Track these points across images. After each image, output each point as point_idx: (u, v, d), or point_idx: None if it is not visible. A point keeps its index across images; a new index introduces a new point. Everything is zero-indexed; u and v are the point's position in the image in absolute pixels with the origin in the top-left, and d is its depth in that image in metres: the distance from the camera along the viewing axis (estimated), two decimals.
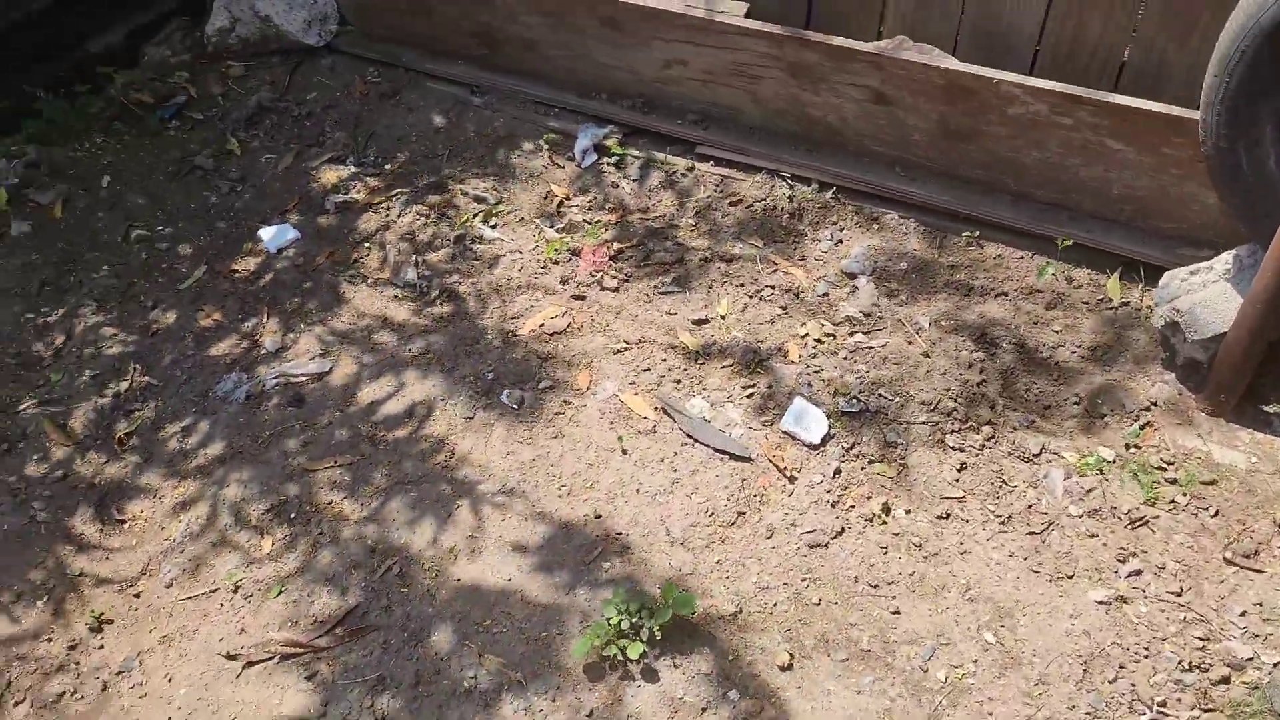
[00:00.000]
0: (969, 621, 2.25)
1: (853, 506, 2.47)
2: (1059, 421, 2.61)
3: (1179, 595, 2.27)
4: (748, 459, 2.56)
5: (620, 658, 2.15)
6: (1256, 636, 2.19)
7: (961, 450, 2.57)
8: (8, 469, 2.60)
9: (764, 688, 2.15)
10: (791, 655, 2.20)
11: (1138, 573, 2.32)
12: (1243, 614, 2.23)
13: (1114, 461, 2.53)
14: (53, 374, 2.83)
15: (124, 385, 2.79)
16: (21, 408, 2.74)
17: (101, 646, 2.25)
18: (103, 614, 2.30)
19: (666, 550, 2.37)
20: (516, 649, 2.20)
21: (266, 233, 3.21)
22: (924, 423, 2.63)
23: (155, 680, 2.18)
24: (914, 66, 2.91)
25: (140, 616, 2.30)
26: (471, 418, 2.67)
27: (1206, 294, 2.56)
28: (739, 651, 2.20)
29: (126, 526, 2.48)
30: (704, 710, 2.11)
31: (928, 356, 2.78)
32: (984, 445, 2.58)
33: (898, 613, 2.28)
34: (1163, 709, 2.09)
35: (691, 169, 3.34)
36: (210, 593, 2.33)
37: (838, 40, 2.98)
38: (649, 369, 2.77)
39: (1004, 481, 2.51)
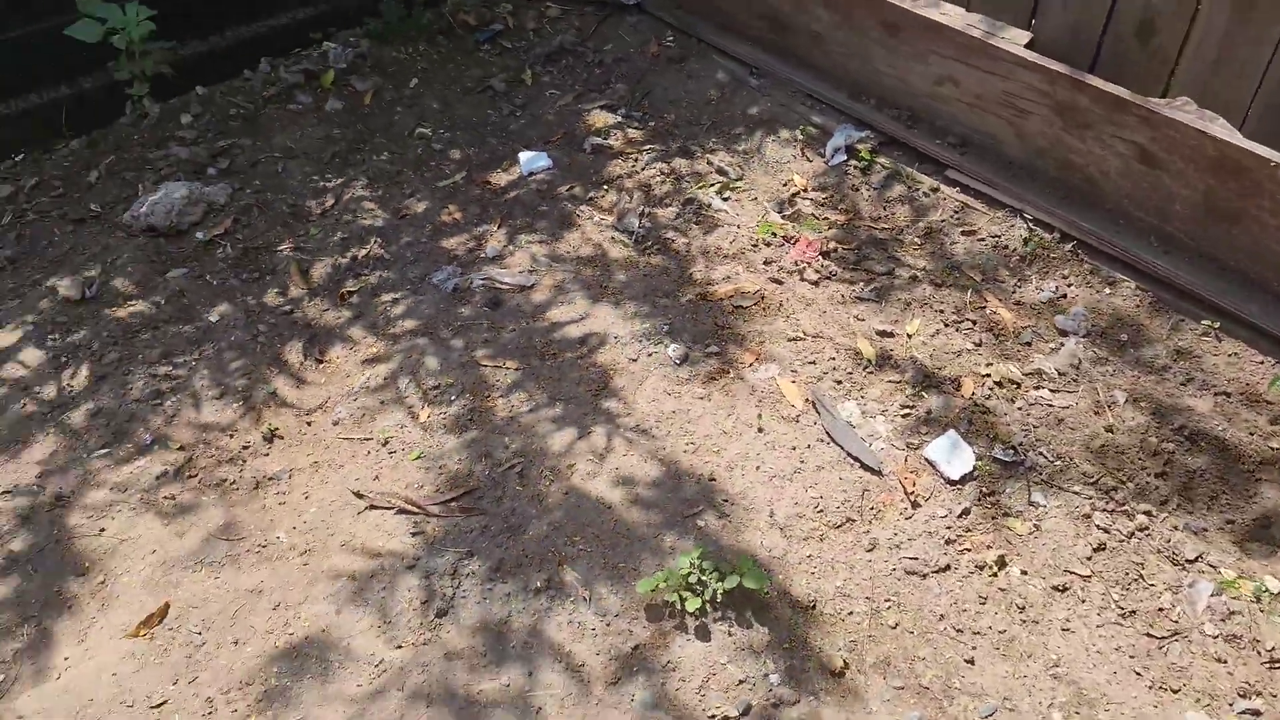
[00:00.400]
0: (1043, 696, 2.13)
1: (967, 550, 2.39)
2: (1232, 537, 2.38)
3: None
4: (877, 472, 2.53)
5: (679, 607, 2.22)
6: None
7: (1107, 531, 2.41)
8: (253, 292, 3.03)
9: (807, 683, 2.14)
10: (846, 664, 2.17)
11: (1256, 713, 2.09)
12: None
13: (1278, 595, 2.28)
14: (313, 228, 3.25)
15: (362, 252, 3.16)
16: (280, 248, 3.18)
17: (267, 454, 2.59)
18: (277, 429, 2.65)
19: (763, 530, 2.41)
20: (593, 569, 2.32)
21: (525, 156, 3.50)
22: (1077, 493, 2.48)
23: (295, 495, 2.50)
24: (1187, 130, 2.72)
25: (304, 441, 2.63)
26: (635, 360, 2.81)
27: None
28: (796, 643, 2.20)
29: (322, 366, 2.83)
30: (740, 682, 2.14)
31: (1110, 431, 2.61)
32: (1134, 534, 2.40)
33: (971, 663, 2.19)
34: None
35: (936, 190, 3.28)
36: (364, 440, 2.62)
37: (1111, 88, 2.83)
38: (815, 363, 2.79)
39: (1141, 576, 2.33)
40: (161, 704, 2.09)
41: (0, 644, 2.19)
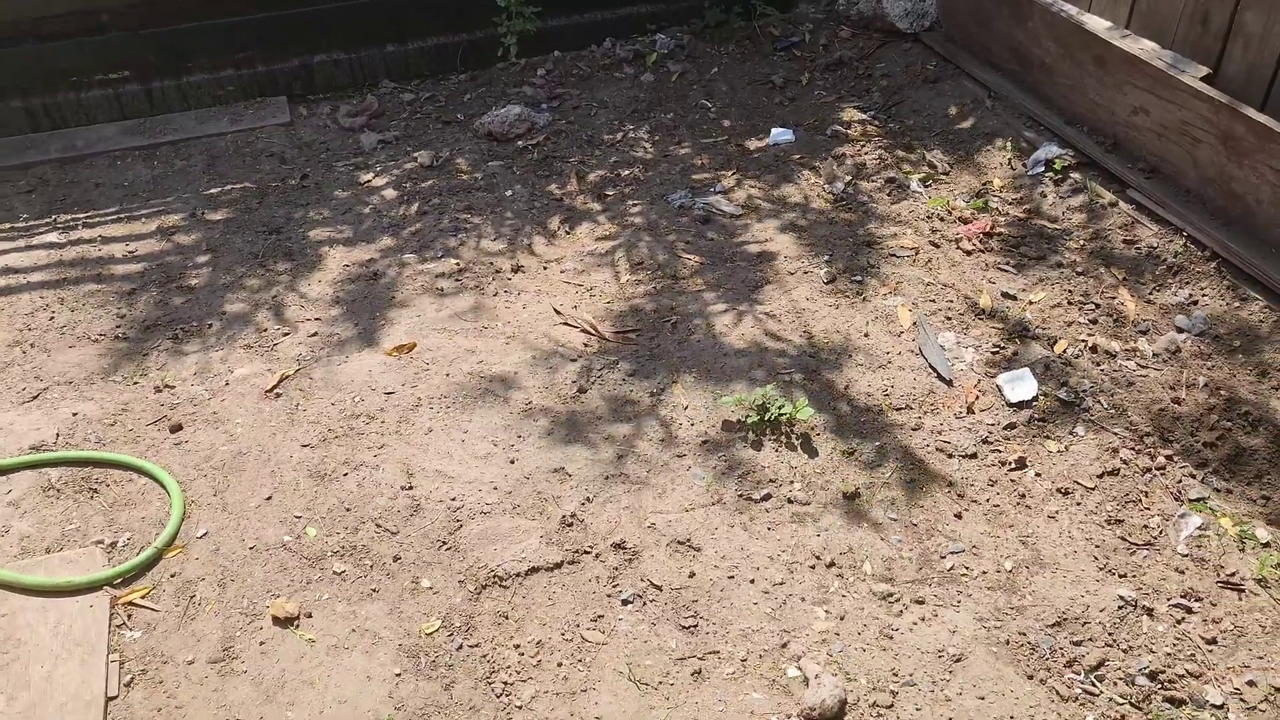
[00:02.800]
0: (1005, 551, 2.60)
1: (997, 450, 2.88)
2: (1254, 503, 2.68)
3: (1210, 644, 2.36)
4: (948, 382, 3.07)
5: (746, 422, 2.92)
6: (1246, 705, 2.23)
7: (1126, 465, 2.80)
8: (540, 183, 4.10)
9: (821, 497, 2.76)
10: (858, 492, 2.77)
11: (1188, 609, 2.44)
12: (1250, 684, 2.27)
13: (1266, 545, 2.57)
14: (598, 152, 4.28)
15: (626, 172, 4.13)
16: (570, 159, 4.23)
17: (510, 279, 3.61)
18: (522, 266, 3.66)
19: (834, 395, 3.04)
20: (698, 388, 3.08)
21: (775, 131, 4.33)
22: (1115, 434, 2.88)
23: (517, 305, 3.48)
24: None
25: (538, 277, 3.61)
26: (793, 274, 3.53)
27: None
28: (826, 470, 2.83)
29: (568, 235, 3.82)
30: (772, 480, 2.80)
31: (1176, 404, 2.96)
32: (1149, 469, 2.77)
33: (959, 517, 2.70)
34: (1098, 681, 2.29)
35: (1114, 204, 3.70)
36: (577, 284, 3.56)
37: (1261, 117, 3.17)
38: (934, 301, 3.36)
39: (1140, 500, 2.71)
40: (390, 393, 3.12)
41: (312, 344, 3.34)
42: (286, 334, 3.39)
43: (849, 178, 4.01)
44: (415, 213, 3.96)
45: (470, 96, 4.72)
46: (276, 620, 2.48)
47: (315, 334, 3.38)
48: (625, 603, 2.52)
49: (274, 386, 3.16)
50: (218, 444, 2.97)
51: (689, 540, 2.65)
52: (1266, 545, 2.57)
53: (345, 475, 2.85)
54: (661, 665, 2.38)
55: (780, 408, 2.90)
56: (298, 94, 4.72)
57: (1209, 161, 3.44)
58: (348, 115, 4.56)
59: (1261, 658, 2.32)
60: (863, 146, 4.21)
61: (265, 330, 3.41)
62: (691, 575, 2.57)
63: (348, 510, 2.75)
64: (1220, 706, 2.23)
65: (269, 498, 2.80)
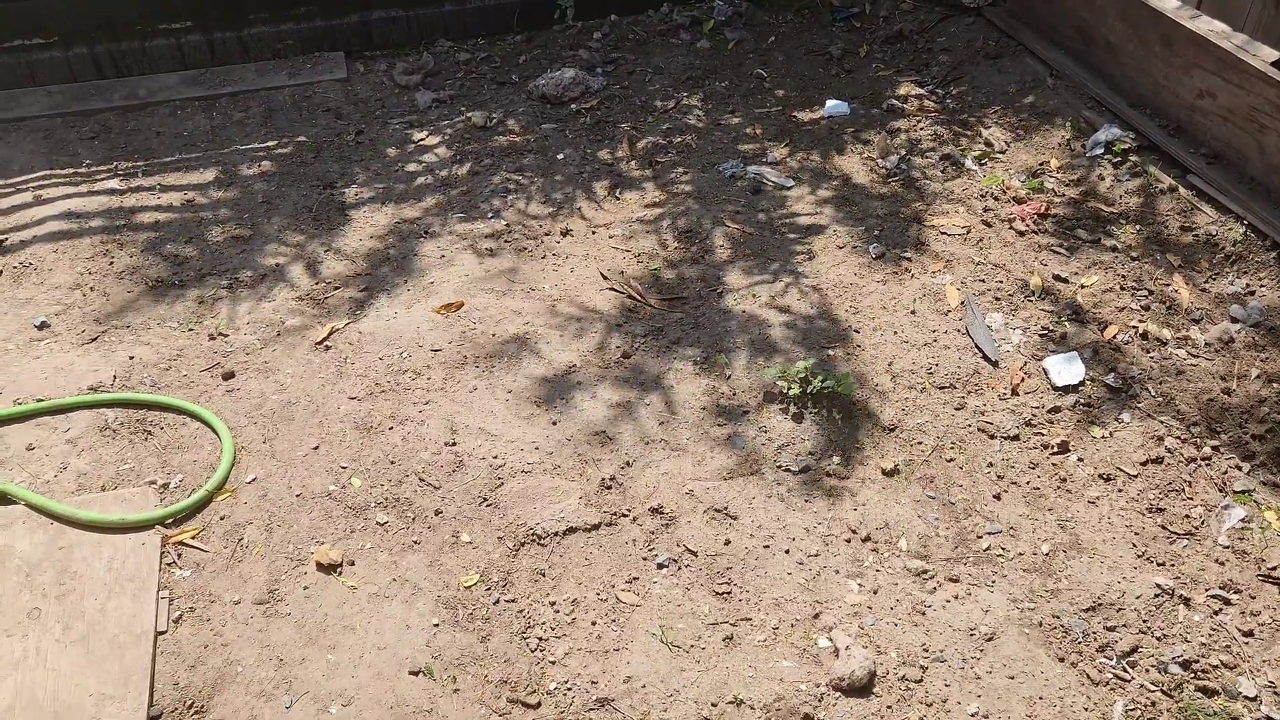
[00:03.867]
0: (1043, 534, 2.60)
1: (1040, 433, 2.86)
2: None
3: (1247, 636, 2.35)
4: (994, 363, 3.05)
5: (787, 393, 2.93)
6: None
7: (1170, 454, 2.77)
8: (592, 147, 4.10)
9: (859, 470, 2.77)
10: (897, 469, 2.77)
11: (1226, 601, 2.42)
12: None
13: None
14: (651, 118, 4.28)
15: (678, 139, 4.13)
16: (623, 124, 4.23)
17: (558, 242, 3.63)
18: (570, 230, 3.67)
19: (879, 371, 3.04)
20: (739, 359, 3.09)
21: (830, 103, 4.29)
22: (1162, 423, 2.85)
23: (564, 269, 3.50)
24: None
25: (585, 241, 3.63)
26: (841, 247, 3.51)
27: None
28: (867, 444, 2.83)
29: (617, 201, 3.83)
30: (810, 453, 2.81)
31: (1227, 395, 2.93)
32: (1194, 459, 2.75)
33: (998, 498, 2.70)
34: (1129, 667, 2.29)
35: (1173, 190, 3.63)
36: (625, 250, 3.57)
37: None
38: (983, 280, 3.33)
39: (1183, 490, 2.68)
40: (437, 350, 3.16)
41: (362, 297, 3.39)
42: (337, 288, 3.44)
43: (903, 153, 3.97)
44: (466, 173, 3.99)
45: (525, 58, 4.73)
46: (320, 566, 2.54)
47: (365, 288, 3.43)
48: (661, 566, 2.55)
49: (324, 339, 3.21)
50: (268, 393, 3.03)
51: (726, 508, 2.68)
52: None
53: (391, 429, 2.90)
54: (694, 629, 2.41)
55: (823, 381, 2.91)
56: (355, 50, 4.75)
57: (1276, 149, 3.36)
58: (404, 73, 4.59)
59: None
60: (918, 122, 4.16)
61: (316, 282, 3.47)
62: (727, 543, 2.60)
63: (392, 463, 2.80)
64: (1253, 699, 2.22)
65: (316, 447, 2.86)
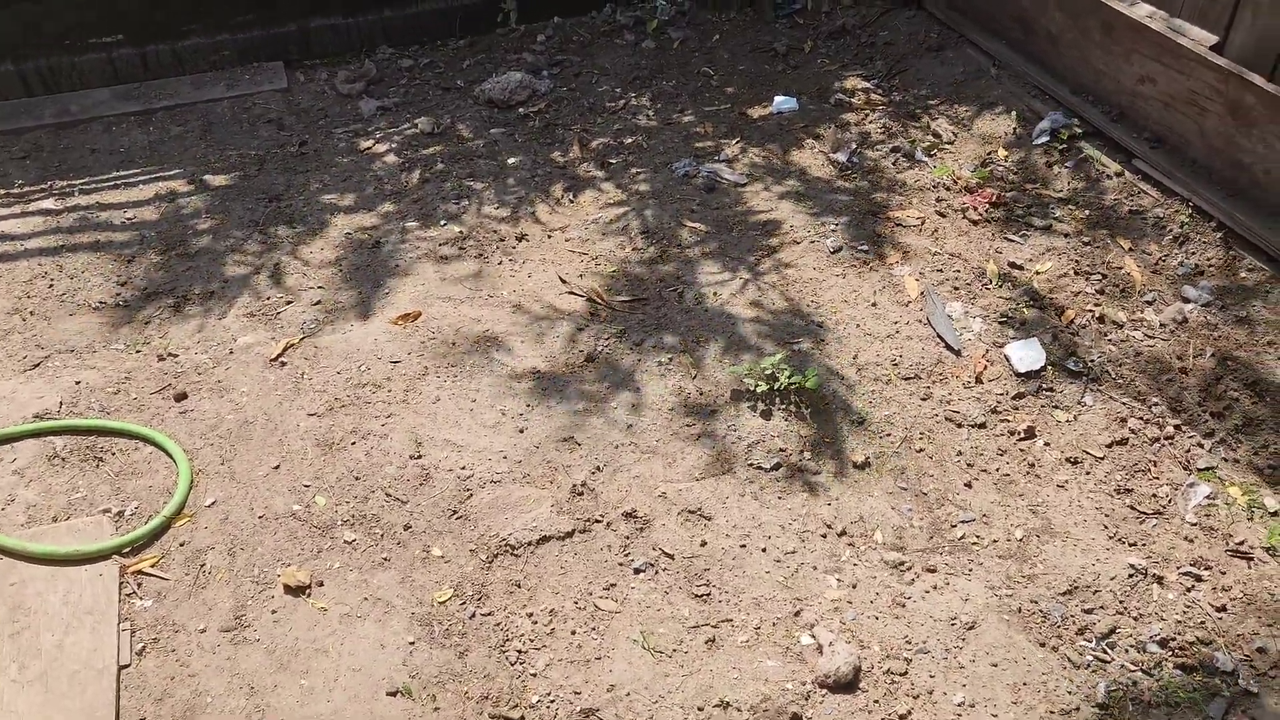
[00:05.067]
0: (1015, 520, 2.61)
1: (1006, 419, 2.88)
2: (1260, 471, 2.68)
3: (1220, 611, 2.38)
4: (956, 352, 3.07)
5: (755, 390, 2.92)
6: (1256, 671, 2.25)
7: (1134, 435, 2.80)
8: (543, 151, 4.06)
9: (830, 464, 2.76)
10: (868, 461, 2.77)
11: (1198, 577, 2.45)
12: (1260, 650, 2.29)
13: (1276, 514, 2.59)
14: (600, 119, 4.24)
15: (629, 139, 4.10)
16: (573, 126, 4.19)
17: (515, 247, 3.58)
18: (526, 235, 3.63)
19: (845, 364, 3.04)
20: (705, 356, 3.07)
21: (778, 99, 4.29)
22: (1123, 404, 2.88)
23: (522, 274, 3.45)
24: None
25: (542, 246, 3.58)
26: (799, 243, 3.51)
27: None
28: (836, 438, 2.83)
29: (573, 204, 3.79)
30: (781, 449, 2.80)
31: (1185, 374, 2.97)
32: (1158, 439, 2.78)
33: (969, 486, 2.71)
34: (1108, 649, 2.31)
35: (1119, 174, 3.69)
36: (583, 253, 3.53)
37: (1271, 87, 3.16)
38: (942, 270, 3.35)
39: (1149, 470, 2.72)
40: (396, 361, 3.10)
41: (316, 311, 3.31)
42: (289, 302, 3.36)
43: (854, 146, 3.99)
44: (417, 180, 3.92)
45: (470, 63, 4.67)
46: (288, 589, 2.47)
47: (318, 302, 3.35)
48: (638, 571, 2.52)
49: (279, 355, 3.13)
50: (223, 413, 2.94)
51: (700, 509, 2.65)
52: (1275, 514, 2.58)
53: (353, 444, 2.83)
54: (675, 633, 2.38)
55: (789, 376, 2.90)
56: (295, 59, 4.65)
57: (1216, 131, 3.43)
58: (346, 81, 4.50)
59: (1271, 625, 2.34)
60: (867, 115, 4.18)
61: (268, 298, 3.38)
62: (703, 544, 2.58)
63: (357, 479, 2.74)
64: (1231, 673, 2.25)
65: (277, 467, 2.78)
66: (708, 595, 2.46)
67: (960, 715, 2.21)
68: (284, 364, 3.10)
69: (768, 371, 2.92)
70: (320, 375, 3.05)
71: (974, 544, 2.57)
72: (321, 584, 2.49)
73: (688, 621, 2.41)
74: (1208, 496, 2.63)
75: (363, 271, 3.48)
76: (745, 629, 2.39)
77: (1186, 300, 3.21)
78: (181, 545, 2.59)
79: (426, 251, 3.55)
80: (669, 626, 2.39)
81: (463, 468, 2.76)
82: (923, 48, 4.54)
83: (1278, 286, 3.15)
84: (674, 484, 2.72)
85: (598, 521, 2.63)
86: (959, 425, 2.86)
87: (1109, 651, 2.31)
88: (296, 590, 2.47)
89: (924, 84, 4.34)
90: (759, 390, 2.90)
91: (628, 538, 2.59)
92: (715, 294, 3.31)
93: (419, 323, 3.23)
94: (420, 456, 2.79)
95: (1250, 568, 2.47)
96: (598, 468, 2.77)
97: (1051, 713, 2.20)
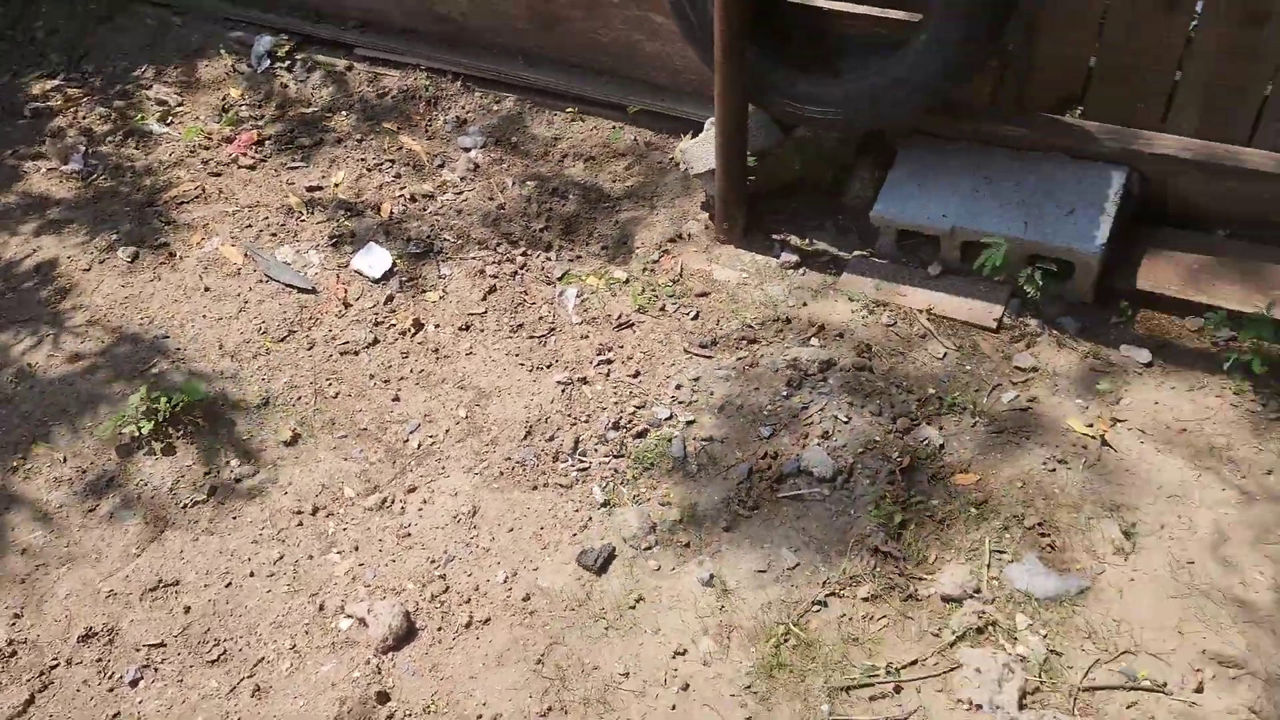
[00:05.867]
0: (453, 402, 2.68)
1: (392, 325, 2.90)
2: (599, 254, 3.02)
3: (635, 377, 2.70)
4: (312, 291, 2.99)
5: (140, 434, 2.58)
6: (681, 403, 2.61)
7: (496, 278, 3.00)
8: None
9: (265, 456, 2.58)
10: (297, 434, 2.63)
11: (607, 361, 2.75)
12: (678, 387, 2.65)
13: (625, 281, 2.95)
14: None
15: None
16: None
17: None
18: None
19: (215, 360, 2.81)
20: (64, 434, 2.63)
21: None
22: (474, 258, 3.06)
23: None
24: None
25: None
26: (89, 269, 3.10)
27: (700, 140, 2.99)
28: (254, 431, 2.64)
29: None
30: (206, 473, 2.54)
31: (501, 209, 3.20)
32: (516, 273, 3.01)
33: (398, 399, 2.71)
34: (582, 457, 2.52)
35: (350, 68, 3.75)
36: None
37: None
38: (251, 225, 3.20)
39: (525, 300, 2.94)
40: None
41: None
42: None
43: (84, 149, 3.56)
44: None
45: None
46: None
47: None
48: (134, 684, 2.18)
49: None
50: None
51: (161, 580, 2.34)
52: (626, 281, 2.96)
53: None
54: (215, 707, 2.12)
55: (169, 402, 2.61)
56: None
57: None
58: None
59: (674, 364, 2.72)
60: (77, 113, 3.74)
61: None
62: (187, 610, 2.30)
63: None
64: (669, 417, 2.59)
65: None
66: (225, 654, 2.21)
67: (511, 588, 2.29)
68: None
69: (143, 409, 2.59)
70: None
71: (433, 444, 2.60)
72: None
73: (218, 691, 2.15)
74: (578, 295, 2.93)
75: None
76: (282, 656, 2.20)
77: (467, 150, 3.44)
78: None
79: None
80: (203, 706, 2.12)
81: None
82: (92, 22, 4.13)
83: (525, 104, 3.50)
84: (118, 575, 2.35)
85: (54, 666, 2.20)
86: (356, 353, 2.83)
87: (584, 459, 2.53)
88: None
89: (116, 58, 3.98)
90: (145, 431, 2.58)
91: (99, 660, 2.21)
92: (30, 366, 2.82)
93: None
94: None
95: (635, 331, 2.82)
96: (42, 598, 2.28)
97: (574, 534, 2.37)
